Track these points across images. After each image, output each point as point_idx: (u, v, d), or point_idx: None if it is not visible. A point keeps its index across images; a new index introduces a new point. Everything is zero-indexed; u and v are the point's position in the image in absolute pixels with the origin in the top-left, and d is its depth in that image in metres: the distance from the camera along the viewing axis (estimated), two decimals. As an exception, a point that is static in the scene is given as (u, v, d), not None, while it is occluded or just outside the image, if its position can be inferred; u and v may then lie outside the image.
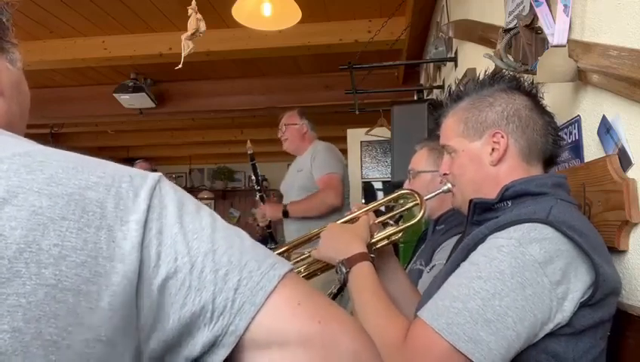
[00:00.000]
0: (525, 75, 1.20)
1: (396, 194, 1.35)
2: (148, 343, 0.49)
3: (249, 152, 2.99)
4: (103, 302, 0.45)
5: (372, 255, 1.11)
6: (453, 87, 1.12)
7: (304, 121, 3.18)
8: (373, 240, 1.20)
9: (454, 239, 1.42)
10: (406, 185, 1.70)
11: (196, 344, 0.49)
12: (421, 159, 1.70)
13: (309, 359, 0.49)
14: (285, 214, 3.00)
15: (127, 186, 0.50)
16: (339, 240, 1.16)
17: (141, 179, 0.52)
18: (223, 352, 0.49)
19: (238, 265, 0.51)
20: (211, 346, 0.49)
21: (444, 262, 1.26)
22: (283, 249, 1.27)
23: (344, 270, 1.08)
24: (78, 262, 0.45)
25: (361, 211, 1.24)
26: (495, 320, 0.78)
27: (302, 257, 1.29)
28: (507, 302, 0.78)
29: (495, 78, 1.06)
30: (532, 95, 1.04)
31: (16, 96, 0.63)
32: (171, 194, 0.52)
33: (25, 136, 0.56)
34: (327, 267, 1.23)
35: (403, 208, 1.31)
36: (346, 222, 1.25)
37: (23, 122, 0.64)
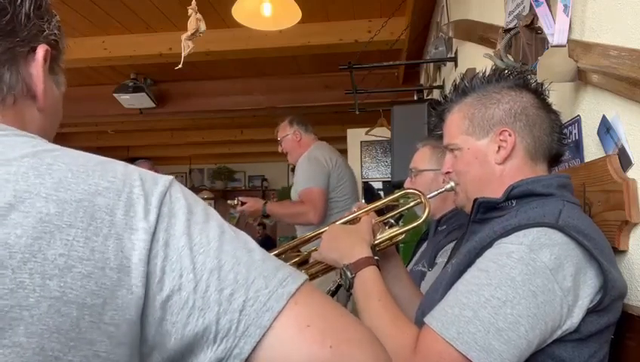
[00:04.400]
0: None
1: (398, 193, 1.32)
2: (150, 360, 0.47)
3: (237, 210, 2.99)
4: (106, 316, 0.43)
5: (376, 257, 1.08)
6: (458, 82, 1.09)
7: (294, 128, 3.04)
8: (376, 242, 1.16)
9: None
10: (407, 183, 1.67)
11: None
12: (423, 157, 1.67)
13: None
14: (265, 213, 2.92)
15: (139, 191, 0.48)
16: (342, 243, 1.12)
17: (152, 184, 0.50)
18: None
19: (245, 283, 0.48)
20: None
21: (445, 261, 1.25)
22: (280, 250, 1.23)
23: (349, 275, 1.05)
24: (85, 273, 0.43)
25: (361, 211, 1.21)
26: (507, 329, 0.76)
27: (301, 258, 1.26)
28: (519, 310, 0.77)
29: (501, 74, 1.04)
30: (538, 93, 1.03)
31: (53, 115, 0.63)
32: (182, 201, 0.50)
33: None
34: (328, 269, 1.20)
35: (405, 207, 1.28)
36: (346, 222, 1.21)
37: (49, 140, 0.65)
